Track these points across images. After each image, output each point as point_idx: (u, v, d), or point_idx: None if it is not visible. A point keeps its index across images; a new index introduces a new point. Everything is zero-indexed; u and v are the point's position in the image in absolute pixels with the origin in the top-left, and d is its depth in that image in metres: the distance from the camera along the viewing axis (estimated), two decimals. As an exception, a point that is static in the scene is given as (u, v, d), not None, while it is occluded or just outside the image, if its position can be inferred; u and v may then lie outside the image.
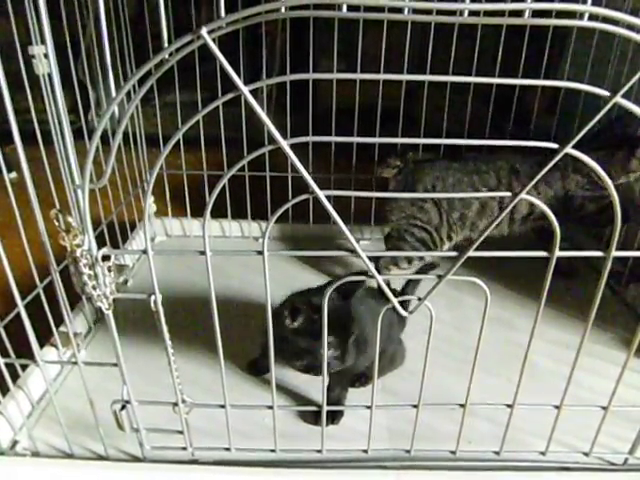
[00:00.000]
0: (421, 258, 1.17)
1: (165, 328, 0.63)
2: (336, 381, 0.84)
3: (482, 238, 0.55)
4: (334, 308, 0.74)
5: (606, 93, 0.47)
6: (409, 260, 1.17)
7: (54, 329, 0.89)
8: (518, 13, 0.45)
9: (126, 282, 1.21)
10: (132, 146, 1.30)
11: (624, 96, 0.47)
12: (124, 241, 1.28)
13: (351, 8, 0.45)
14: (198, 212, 1.42)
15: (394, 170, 1.18)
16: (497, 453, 0.75)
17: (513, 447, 0.74)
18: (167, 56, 0.47)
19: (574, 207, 1.13)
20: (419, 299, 0.59)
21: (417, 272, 1.09)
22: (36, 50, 0.77)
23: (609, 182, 0.52)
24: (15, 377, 0.81)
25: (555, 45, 1.35)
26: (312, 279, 1.25)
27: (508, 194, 0.53)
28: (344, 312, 0.76)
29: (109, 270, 0.57)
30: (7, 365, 0.74)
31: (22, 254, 0.79)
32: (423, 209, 1.14)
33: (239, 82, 0.46)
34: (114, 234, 1.19)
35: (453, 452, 0.74)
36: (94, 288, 0.58)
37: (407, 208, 1.16)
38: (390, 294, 0.58)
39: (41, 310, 0.83)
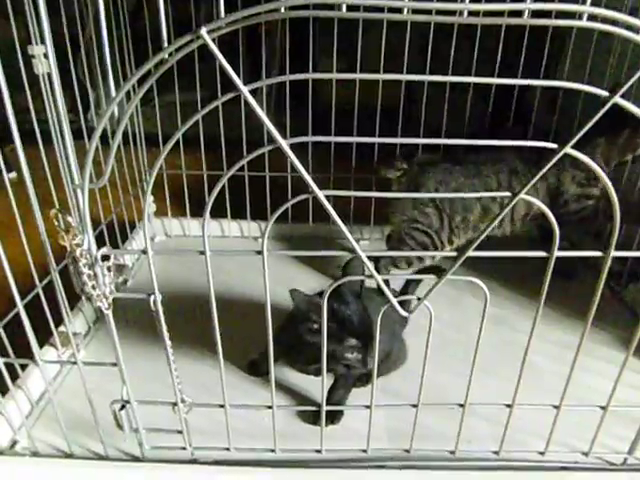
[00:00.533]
0: (421, 260, 1.16)
1: (165, 328, 0.63)
2: (342, 382, 0.85)
3: (482, 238, 0.55)
4: (354, 311, 0.74)
5: (605, 93, 0.47)
6: (409, 262, 1.17)
7: (53, 329, 0.89)
8: (517, 13, 0.45)
9: (126, 282, 1.21)
10: (132, 146, 1.30)
11: (623, 96, 0.47)
12: (124, 241, 1.28)
13: (351, 8, 0.45)
14: (198, 212, 1.42)
15: (399, 172, 1.18)
16: (496, 453, 0.75)
17: (512, 447, 0.74)
18: (167, 56, 0.47)
19: (559, 204, 1.14)
20: (418, 299, 0.59)
21: (420, 272, 1.09)
22: (36, 50, 0.77)
23: (608, 182, 0.52)
24: (15, 377, 0.81)
25: (555, 45, 1.36)
26: (311, 279, 1.25)
27: (507, 194, 0.53)
28: (364, 315, 0.76)
29: (108, 270, 0.58)
30: (6, 365, 0.74)
31: (22, 254, 0.79)
32: (424, 213, 1.14)
33: (238, 82, 0.46)
34: (114, 234, 1.19)
35: (452, 452, 0.74)
36: (93, 288, 0.58)
37: (409, 211, 1.15)
38: (389, 294, 0.58)
39: (40, 310, 0.83)
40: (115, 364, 0.66)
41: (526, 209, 1.14)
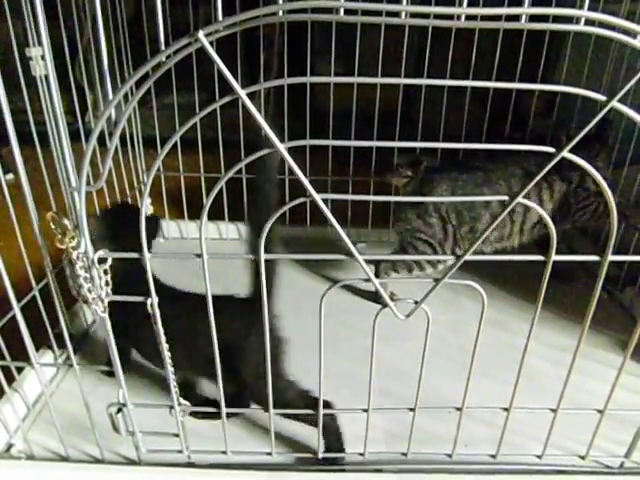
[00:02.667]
0: (421, 268, 1.14)
1: (161, 330, 0.63)
2: None
3: (479, 242, 0.55)
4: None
5: (602, 97, 0.47)
6: (409, 268, 1.15)
7: (50, 331, 0.89)
8: (515, 17, 0.45)
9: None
10: (129, 148, 1.30)
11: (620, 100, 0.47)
12: (121, 243, 1.27)
13: (348, 12, 0.45)
14: (195, 214, 1.42)
15: (404, 180, 1.16)
16: (493, 456, 0.75)
17: (509, 450, 0.74)
18: (164, 58, 0.47)
19: (576, 207, 1.13)
20: (416, 302, 0.59)
21: None
22: (33, 52, 0.77)
23: (604, 184, 0.52)
24: (11, 379, 0.80)
25: (552, 49, 1.36)
26: (309, 282, 1.25)
27: (505, 198, 0.53)
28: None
29: (105, 272, 0.57)
30: (2, 367, 0.74)
31: (18, 256, 0.78)
32: (428, 223, 1.12)
33: (236, 85, 0.46)
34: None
35: (450, 455, 0.74)
36: (90, 291, 0.57)
37: (413, 221, 1.13)
38: (386, 297, 0.58)
39: (37, 312, 0.83)
40: (111, 367, 0.66)
41: (537, 218, 1.11)
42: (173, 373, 0.66)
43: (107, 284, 0.58)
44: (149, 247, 0.73)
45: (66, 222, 0.53)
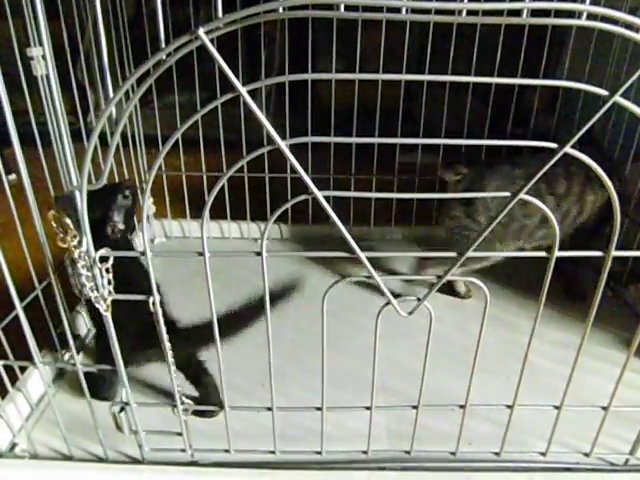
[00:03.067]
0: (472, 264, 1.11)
1: (164, 329, 0.63)
2: None
3: (482, 239, 0.55)
4: None
5: (604, 92, 0.47)
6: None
7: (53, 331, 0.89)
8: (517, 12, 0.45)
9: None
10: (131, 147, 1.30)
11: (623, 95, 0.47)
12: (123, 242, 1.28)
13: (349, 8, 0.45)
14: (198, 213, 1.42)
15: (457, 177, 1.11)
16: (497, 454, 0.74)
17: (513, 448, 0.74)
18: (165, 56, 0.47)
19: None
20: (418, 299, 0.59)
21: None
22: (34, 52, 0.77)
23: (608, 182, 0.52)
24: (14, 379, 0.81)
25: (554, 44, 1.35)
26: (312, 280, 1.25)
27: (507, 194, 0.53)
28: None
29: (107, 271, 0.57)
30: (6, 367, 0.74)
31: (21, 256, 0.78)
32: (477, 221, 1.09)
33: (237, 83, 0.46)
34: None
35: (453, 453, 0.74)
36: (92, 290, 0.57)
37: (463, 219, 1.10)
38: (389, 293, 0.58)
39: (40, 312, 0.83)
40: (115, 366, 0.66)
41: (577, 211, 1.08)
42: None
43: (109, 282, 0.58)
44: (131, 221, 0.74)
45: (67, 221, 0.53)
